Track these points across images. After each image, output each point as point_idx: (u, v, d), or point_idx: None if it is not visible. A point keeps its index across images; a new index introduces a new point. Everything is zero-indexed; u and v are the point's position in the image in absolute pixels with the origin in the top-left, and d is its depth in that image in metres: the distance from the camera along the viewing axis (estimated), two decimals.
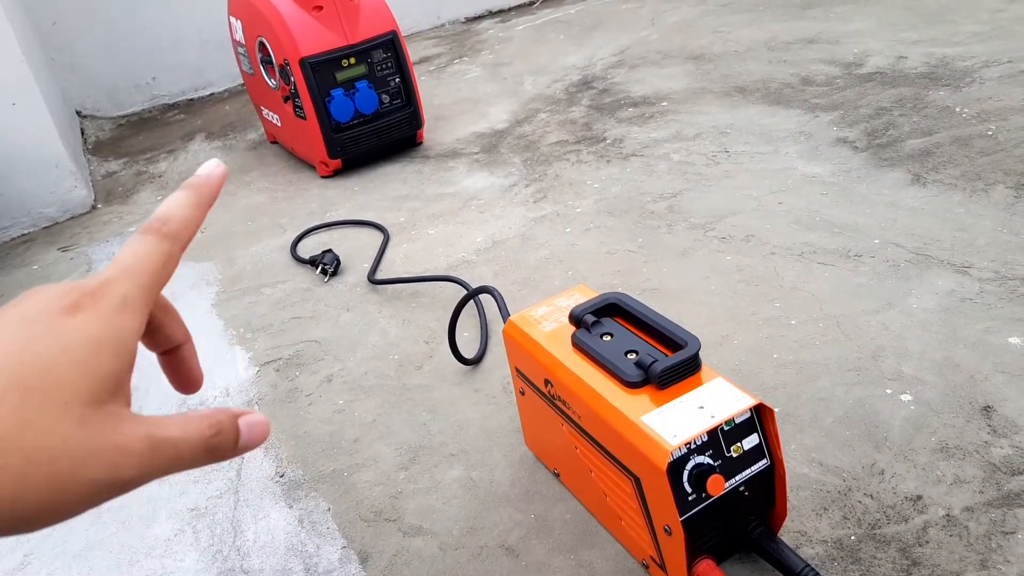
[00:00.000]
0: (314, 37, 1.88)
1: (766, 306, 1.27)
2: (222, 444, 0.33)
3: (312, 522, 1.03)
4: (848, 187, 1.57)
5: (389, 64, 1.98)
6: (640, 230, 1.56)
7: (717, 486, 0.76)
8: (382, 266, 1.61)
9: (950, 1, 2.50)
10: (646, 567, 0.88)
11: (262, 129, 2.48)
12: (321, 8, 1.88)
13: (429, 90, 2.58)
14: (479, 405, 1.18)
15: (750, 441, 0.80)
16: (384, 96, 2.00)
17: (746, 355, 1.17)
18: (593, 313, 0.92)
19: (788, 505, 0.85)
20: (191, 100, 2.93)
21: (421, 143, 2.15)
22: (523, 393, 1.01)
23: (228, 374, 1.36)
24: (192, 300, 1.61)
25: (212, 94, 2.96)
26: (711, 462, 0.78)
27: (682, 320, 1.24)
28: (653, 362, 0.82)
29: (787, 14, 2.69)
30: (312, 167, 2.12)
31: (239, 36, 2.13)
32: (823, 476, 0.95)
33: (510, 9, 3.43)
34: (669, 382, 0.82)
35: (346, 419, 1.20)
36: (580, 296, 0.99)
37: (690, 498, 0.77)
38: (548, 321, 0.96)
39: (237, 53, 2.22)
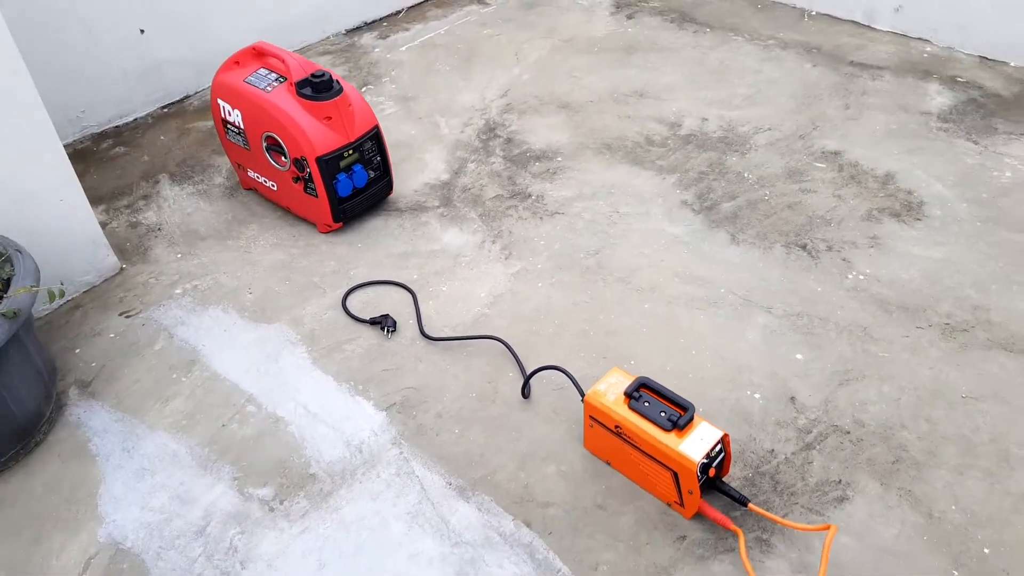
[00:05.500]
0: (326, 140, 2.46)
1: (676, 342, 2.28)
2: None
3: (487, 508, 1.89)
4: (697, 246, 2.61)
5: (374, 149, 2.61)
6: (584, 284, 2.47)
7: (711, 472, 1.78)
8: (422, 321, 2.36)
9: (724, 59, 3.58)
10: (669, 505, 1.89)
11: (223, 170, 2.93)
12: (331, 118, 2.45)
13: None
14: (545, 424, 2.07)
15: (719, 447, 1.82)
16: (371, 172, 2.64)
17: (676, 378, 2.18)
18: (635, 389, 1.86)
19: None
20: (118, 127, 3.18)
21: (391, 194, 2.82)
22: (591, 426, 1.94)
23: (364, 418, 2.09)
24: (294, 360, 2.25)
25: (135, 119, 3.23)
26: (707, 461, 1.79)
27: (635, 353, 2.22)
28: (678, 418, 1.79)
29: (617, 60, 3.60)
30: (306, 221, 2.70)
31: (235, 119, 2.58)
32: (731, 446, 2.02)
33: (381, 20, 3.93)
34: (684, 427, 1.80)
35: (466, 441, 2.04)
36: (619, 376, 1.92)
37: (700, 479, 1.78)
38: (610, 393, 1.89)
39: (223, 128, 2.66)
